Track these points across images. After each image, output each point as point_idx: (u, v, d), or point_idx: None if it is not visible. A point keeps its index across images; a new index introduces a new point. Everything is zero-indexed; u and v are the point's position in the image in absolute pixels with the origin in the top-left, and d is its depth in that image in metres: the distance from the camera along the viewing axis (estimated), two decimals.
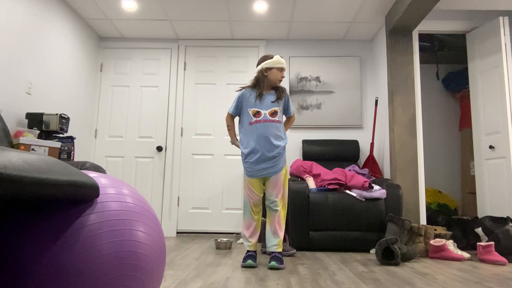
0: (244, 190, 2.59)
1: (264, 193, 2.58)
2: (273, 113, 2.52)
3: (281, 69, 2.54)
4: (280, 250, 2.46)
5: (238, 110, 2.62)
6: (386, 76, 3.79)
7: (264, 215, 3.26)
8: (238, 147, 2.63)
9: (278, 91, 2.58)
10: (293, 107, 2.75)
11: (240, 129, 2.61)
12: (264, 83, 2.57)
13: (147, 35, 4.32)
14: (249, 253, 2.49)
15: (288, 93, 2.68)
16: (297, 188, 3.23)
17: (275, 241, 2.47)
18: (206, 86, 4.32)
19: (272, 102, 2.53)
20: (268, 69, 2.54)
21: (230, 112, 2.65)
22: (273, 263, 2.31)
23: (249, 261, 2.37)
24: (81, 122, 3.98)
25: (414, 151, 3.51)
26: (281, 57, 2.57)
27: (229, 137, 4.18)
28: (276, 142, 2.48)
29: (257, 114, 2.53)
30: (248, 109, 2.55)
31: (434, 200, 4.41)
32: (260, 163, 2.48)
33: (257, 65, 2.59)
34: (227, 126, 2.68)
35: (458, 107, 4.86)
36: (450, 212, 4.26)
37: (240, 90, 2.63)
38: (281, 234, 2.49)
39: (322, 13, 3.77)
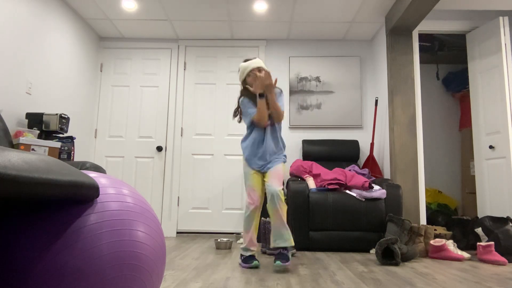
0: (247, 199, 2.49)
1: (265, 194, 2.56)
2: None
3: (253, 71, 2.49)
4: (292, 243, 2.36)
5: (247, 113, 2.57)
6: (386, 76, 3.79)
7: (263, 215, 3.24)
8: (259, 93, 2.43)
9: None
10: (283, 106, 2.64)
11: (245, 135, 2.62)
12: (251, 91, 2.53)
13: (147, 35, 4.32)
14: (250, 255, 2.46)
15: (281, 91, 2.62)
16: (297, 188, 3.22)
17: (287, 234, 2.35)
18: (206, 86, 4.32)
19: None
20: (244, 81, 2.57)
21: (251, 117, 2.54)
22: (278, 262, 2.23)
23: (255, 262, 2.33)
24: (81, 122, 3.98)
25: (414, 151, 3.51)
26: (249, 59, 2.55)
27: (229, 137, 4.18)
28: (273, 149, 2.52)
29: None
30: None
31: (434, 200, 4.41)
32: (258, 161, 2.53)
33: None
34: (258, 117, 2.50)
35: (458, 107, 4.86)
36: (450, 212, 4.26)
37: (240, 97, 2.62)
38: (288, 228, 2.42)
39: (322, 13, 3.77)
